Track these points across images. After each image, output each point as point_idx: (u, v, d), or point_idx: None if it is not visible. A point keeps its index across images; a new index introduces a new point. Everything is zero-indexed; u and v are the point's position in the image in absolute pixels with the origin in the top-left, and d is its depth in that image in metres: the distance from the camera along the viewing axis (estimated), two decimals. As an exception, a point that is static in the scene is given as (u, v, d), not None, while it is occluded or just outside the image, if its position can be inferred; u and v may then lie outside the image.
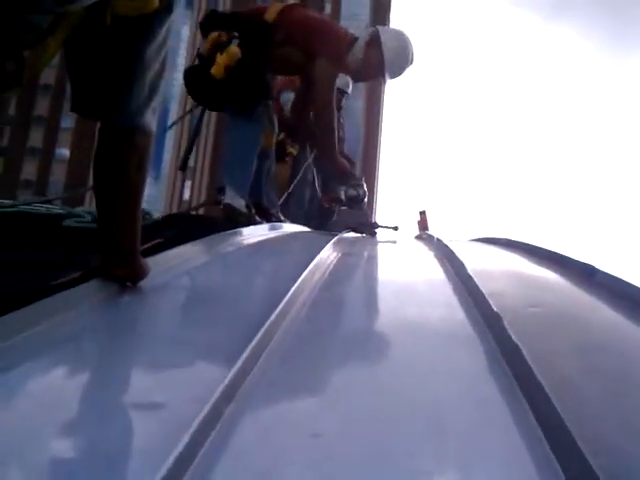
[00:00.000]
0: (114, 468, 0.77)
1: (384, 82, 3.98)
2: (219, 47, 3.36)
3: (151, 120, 1.52)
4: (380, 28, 3.81)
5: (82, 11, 1.34)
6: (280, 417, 0.95)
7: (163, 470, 0.70)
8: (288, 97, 4.28)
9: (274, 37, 3.51)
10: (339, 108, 4.33)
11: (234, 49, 3.34)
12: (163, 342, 1.29)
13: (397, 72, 3.81)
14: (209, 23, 3.55)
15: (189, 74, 3.58)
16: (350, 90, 4.41)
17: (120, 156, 1.50)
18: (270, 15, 3.53)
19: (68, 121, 37.57)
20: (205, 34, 3.51)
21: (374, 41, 3.67)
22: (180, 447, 0.75)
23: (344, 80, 4.40)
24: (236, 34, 3.39)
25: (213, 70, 3.33)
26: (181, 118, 4.38)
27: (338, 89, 4.02)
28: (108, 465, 0.78)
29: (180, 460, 0.74)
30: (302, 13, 3.73)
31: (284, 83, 4.50)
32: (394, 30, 3.92)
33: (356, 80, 4.12)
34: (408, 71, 3.83)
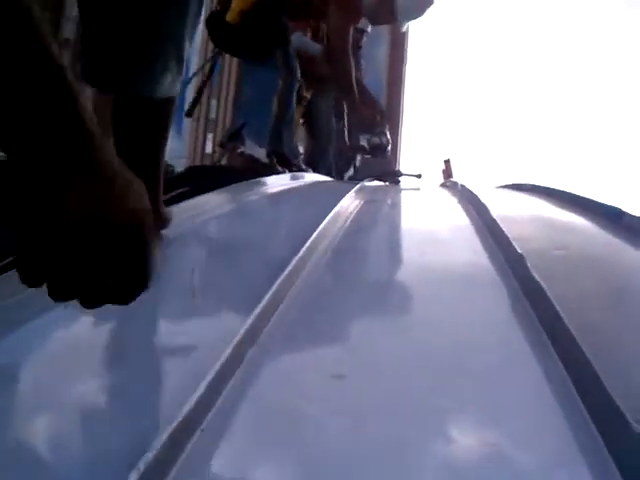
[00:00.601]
0: (135, 412, 0.78)
1: (401, 26, 3.89)
2: None
3: (177, 84, 1.39)
4: None
5: None
6: (302, 359, 0.96)
7: (184, 412, 0.70)
8: (299, 39, 4.18)
9: None
10: (358, 47, 4.25)
11: None
12: (184, 289, 1.29)
13: (415, 15, 3.70)
14: None
15: (209, 20, 3.54)
16: (370, 29, 4.30)
17: (146, 126, 1.40)
18: None
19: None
20: None
21: None
22: (201, 389, 0.75)
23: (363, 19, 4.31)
24: None
25: (228, 16, 3.28)
26: (202, 67, 4.33)
27: (356, 28, 3.91)
28: (129, 409, 0.78)
29: (201, 402, 0.74)
30: None
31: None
32: None
33: (373, 24, 4.02)
34: (429, 12, 3.72)
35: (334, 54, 3.62)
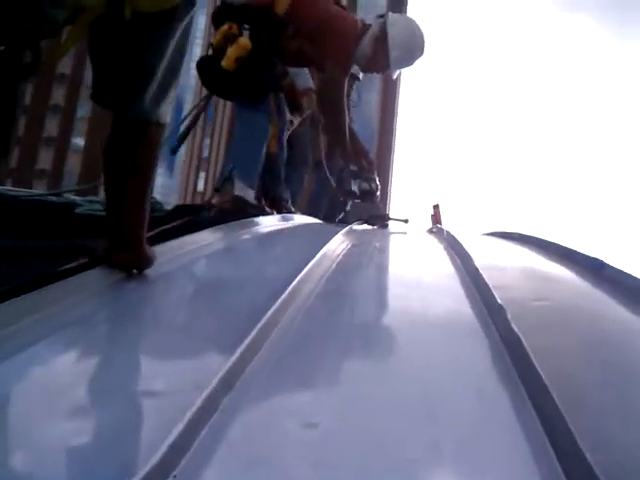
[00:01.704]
0: (110, 453, 0.78)
1: (392, 75, 3.97)
2: (229, 39, 3.36)
3: (166, 111, 1.54)
4: (390, 19, 3.74)
5: (102, 5, 1.36)
6: (277, 407, 0.95)
7: (157, 457, 0.70)
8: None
9: (285, 30, 3.49)
10: (348, 94, 4.30)
11: (244, 41, 3.33)
12: (165, 330, 1.29)
13: (404, 65, 3.80)
14: (220, 15, 3.55)
15: (201, 65, 3.59)
16: (361, 76, 4.36)
17: (132, 146, 1.52)
18: (281, 8, 3.49)
19: (83, 110, 37.74)
20: (217, 26, 3.51)
21: (382, 36, 3.65)
22: (175, 434, 0.75)
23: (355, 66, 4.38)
24: (247, 26, 3.39)
25: (223, 62, 3.32)
26: (194, 109, 4.36)
27: (350, 74, 3.98)
28: (104, 450, 0.78)
29: (175, 448, 0.74)
30: (313, 6, 3.68)
31: None
32: (404, 21, 3.82)
33: (364, 72, 4.09)
34: (419, 62, 3.80)
35: (329, 105, 3.67)
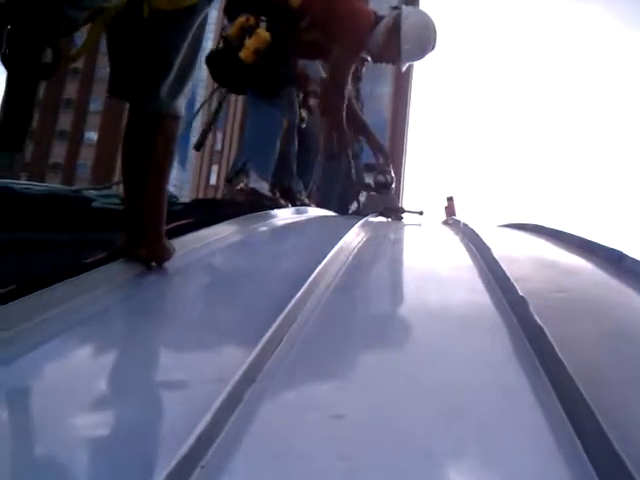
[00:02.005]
0: (136, 446, 0.78)
1: (401, 67, 3.97)
2: (247, 31, 3.35)
3: (181, 105, 1.55)
4: (404, 11, 3.73)
5: (121, 5, 1.36)
6: (301, 398, 0.96)
7: (185, 448, 0.71)
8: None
9: (299, 22, 3.48)
10: (358, 77, 4.28)
11: (264, 33, 3.32)
12: (186, 323, 1.30)
13: (415, 58, 3.80)
14: (234, 7, 3.54)
15: (213, 58, 3.57)
16: (370, 59, 4.36)
17: (149, 139, 1.53)
18: (295, 0, 3.49)
19: (97, 104, 37.86)
20: (230, 18, 3.50)
21: (395, 28, 3.64)
22: (202, 426, 0.75)
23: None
24: (263, 18, 3.37)
25: (242, 54, 3.31)
26: (208, 100, 4.37)
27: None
28: (130, 444, 0.78)
29: (202, 439, 0.74)
30: None
31: None
32: (418, 15, 3.80)
33: (374, 61, 4.08)
34: (429, 56, 3.79)
35: (330, 88, 3.64)
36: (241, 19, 3.38)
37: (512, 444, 0.82)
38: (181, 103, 1.55)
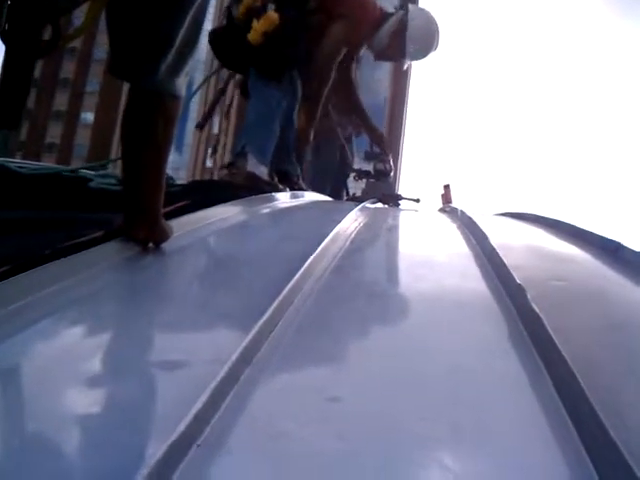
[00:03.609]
0: (132, 425, 0.78)
1: (402, 65, 4.04)
2: (254, 12, 3.32)
3: (181, 84, 1.54)
4: (411, 13, 3.77)
5: None
6: (298, 380, 0.96)
7: (181, 427, 0.70)
8: None
9: (306, 3, 3.46)
10: (357, 60, 4.29)
11: (273, 15, 3.28)
12: (182, 304, 1.29)
13: (417, 58, 3.91)
14: None
15: (217, 36, 3.54)
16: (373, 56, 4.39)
17: (148, 119, 1.51)
18: None
19: (93, 85, 37.69)
20: None
21: (401, 29, 3.67)
22: (199, 405, 0.75)
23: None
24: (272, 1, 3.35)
25: (250, 36, 3.28)
26: (205, 81, 4.38)
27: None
28: (126, 422, 0.78)
29: (199, 418, 0.74)
30: None
31: None
32: (424, 16, 3.87)
33: (376, 58, 4.09)
34: (432, 55, 3.89)
35: (319, 61, 3.60)
36: (249, 0, 3.35)
37: (507, 430, 0.83)
38: (181, 83, 1.53)
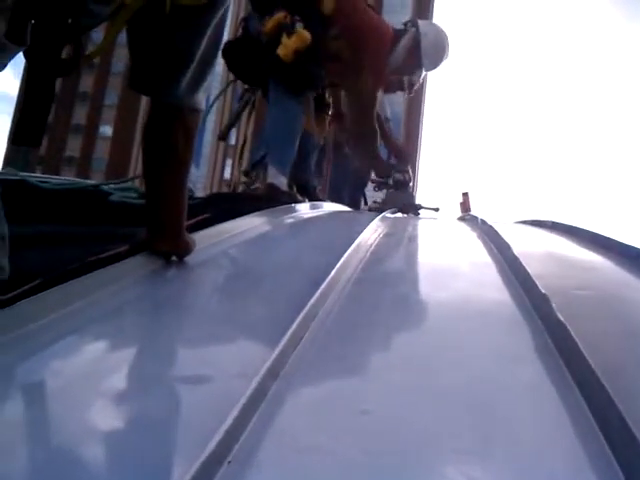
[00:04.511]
0: (162, 442, 0.78)
1: (417, 80, 4.18)
2: (285, 28, 3.35)
3: (201, 99, 1.56)
4: (422, 29, 3.86)
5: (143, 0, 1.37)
6: (325, 394, 0.96)
7: (213, 444, 0.71)
8: None
9: (329, 29, 3.49)
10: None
11: (306, 34, 3.32)
12: (208, 317, 1.30)
13: (431, 69, 4.00)
14: (265, 2, 3.54)
15: (232, 48, 3.56)
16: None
17: (169, 133, 1.53)
18: (327, 5, 3.48)
19: (111, 98, 37.97)
20: (262, 12, 3.50)
21: (415, 46, 3.79)
22: (229, 421, 0.76)
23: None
24: (298, 18, 3.38)
25: (280, 51, 3.31)
26: (220, 94, 4.43)
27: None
28: (156, 439, 0.79)
29: (229, 434, 0.74)
30: (358, 7, 3.68)
31: None
32: (434, 30, 3.98)
33: (399, 74, 4.14)
34: (443, 64, 4.02)
35: (361, 116, 3.68)
36: (280, 15, 3.37)
37: (537, 441, 0.82)
38: (201, 97, 1.56)
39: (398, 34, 3.81)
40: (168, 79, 1.49)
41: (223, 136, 4.38)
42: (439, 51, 3.91)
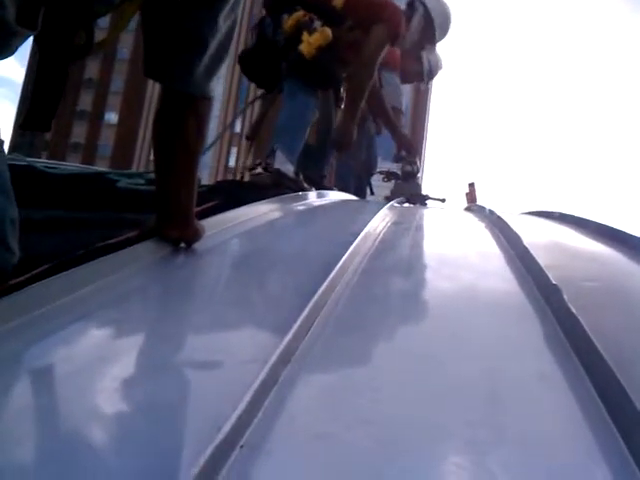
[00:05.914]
0: (176, 426, 0.79)
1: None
2: (305, 26, 3.42)
3: (213, 86, 1.55)
4: (429, 4, 4.04)
5: None
6: (336, 380, 0.96)
7: (226, 428, 0.71)
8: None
9: (342, 23, 3.55)
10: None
11: (327, 31, 3.43)
12: (218, 303, 1.30)
13: (442, 39, 4.18)
14: (278, 3, 3.60)
15: (249, 55, 3.66)
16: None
17: (181, 119, 1.53)
18: (338, 1, 3.55)
19: (117, 84, 37.94)
20: (274, 13, 3.56)
21: (427, 23, 3.96)
22: (242, 406, 0.76)
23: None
24: (315, 16, 3.46)
25: (304, 48, 3.39)
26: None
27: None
28: (169, 423, 0.79)
29: (242, 419, 0.75)
30: None
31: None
32: (438, 3, 4.11)
33: (415, 48, 4.25)
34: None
35: (361, 63, 3.68)
36: (299, 14, 3.47)
37: (550, 433, 0.82)
38: (213, 85, 1.55)
39: (408, 13, 3.94)
40: (181, 67, 1.49)
41: (252, 136, 4.41)
42: (447, 21, 4.09)
